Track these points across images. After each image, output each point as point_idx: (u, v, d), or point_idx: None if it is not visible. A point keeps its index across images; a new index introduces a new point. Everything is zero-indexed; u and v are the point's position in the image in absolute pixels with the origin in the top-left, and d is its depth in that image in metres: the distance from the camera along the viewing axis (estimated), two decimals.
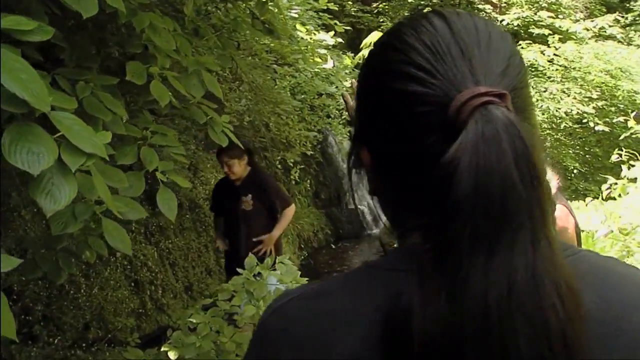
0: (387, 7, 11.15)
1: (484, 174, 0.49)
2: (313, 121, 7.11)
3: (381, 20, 10.70)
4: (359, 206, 10.56)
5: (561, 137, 7.30)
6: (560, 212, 2.82)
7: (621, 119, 5.08)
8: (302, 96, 5.93)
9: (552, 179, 2.88)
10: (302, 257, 7.54)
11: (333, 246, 8.86)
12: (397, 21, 0.66)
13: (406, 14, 11.19)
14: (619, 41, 8.56)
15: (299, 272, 2.78)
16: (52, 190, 0.92)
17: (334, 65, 4.46)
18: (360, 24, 9.77)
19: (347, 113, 7.06)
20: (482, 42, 0.57)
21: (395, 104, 0.57)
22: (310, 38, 3.78)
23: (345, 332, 0.54)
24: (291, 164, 6.88)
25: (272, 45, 3.68)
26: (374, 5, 10.67)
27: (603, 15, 10.88)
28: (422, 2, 10.86)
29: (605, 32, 8.69)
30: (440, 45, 0.56)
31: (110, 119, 1.35)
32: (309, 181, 8.33)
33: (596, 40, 8.38)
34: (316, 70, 4.34)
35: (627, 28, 10.83)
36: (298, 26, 2.96)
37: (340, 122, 8.05)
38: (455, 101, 0.52)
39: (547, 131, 7.40)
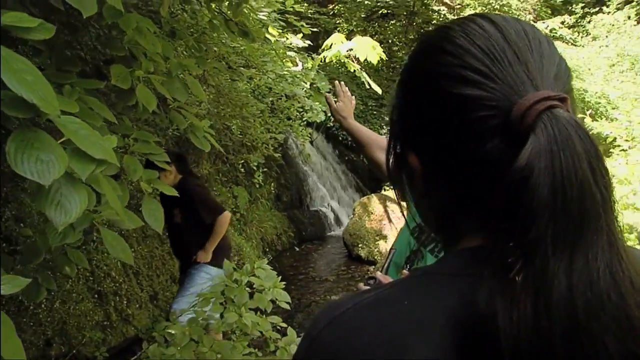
0: (342, 8, 11.21)
1: (561, 178, 0.49)
2: (274, 123, 7.05)
3: (337, 22, 10.77)
4: (320, 208, 10.61)
5: None
6: None
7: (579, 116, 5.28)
8: (270, 99, 5.85)
9: None
10: (267, 261, 7.45)
11: (297, 248, 8.83)
12: (442, 24, 0.64)
13: (362, 15, 11.30)
14: (566, 42, 8.92)
15: (279, 277, 2.74)
16: (61, 201, 0.85)
17: (303, 68, 4.45)
18: (317, 25, 9.78)
19: (314, 115, 7.00)
20: (533, 47, 0.57)
21: (451, 108, 0.56)
22: (281, 41, 3.75)
23: (415, 340, 0.52)
24: (254, 167, 6.80)
25: (242, 47, 3.61)
26: (330, 7, 10.73)
27: (549, 16, 11.32)
28: (378, 4, 10.99)
29: (556, 33, 9.03)
30: (495, 49, 0.56)
31: (100, 125, 1.28)
32: (271, 184, 8.28)
33: None
34: (284, 72, 4.31)
35: (571, 29, 11.30)
36: (270, 29, 2.92)
37: (301, 124, 8.02)
38: (519, 105, 0.53)
39: None
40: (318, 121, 7.96)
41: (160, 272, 5.61)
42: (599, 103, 7.77)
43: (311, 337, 0.58)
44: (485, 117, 0.54)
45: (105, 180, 0.98)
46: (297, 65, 4.07)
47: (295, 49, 3.89)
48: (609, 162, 4.48)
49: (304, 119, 7.80)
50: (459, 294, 0.54)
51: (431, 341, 0.52)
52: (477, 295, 0.50)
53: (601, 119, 6.67)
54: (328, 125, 11.39)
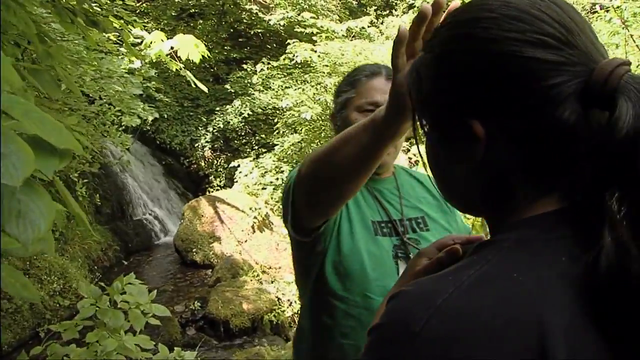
0: (150, 7, 10.65)
1: None
2: (89, 130, 6.42)
3: (146, 20, 10.20)
4: (143, 216, 9.99)
5: None
6: None
7: None
8: (101, 102, 5.25)
9: None
10: (96, 280, 6.79)
11: (125, 262, 8.20)
12: None
13: (173, 14, 10.86)
14: (372, 40, 9.72)
15: (154, 291, 2.51)
16: (23, 210, 0.65)
17: (142, 64, 4.08)
18: (126, 23, 9.15)
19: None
20: (583, 20, 0.61)
21: (527, 73, 0.57)
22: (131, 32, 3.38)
23: (546, 313, 0.50)
24: (75, 179, 6.11)
25: (76, 41, 3.16)
26: (138, 4, 10.12)
27: (347, 17, 12.20)
28: (189, 2, 10.65)
29: (365, 31, 9.77)
30: (564, 18, 0.59)
31: None
32: (92, 196, 7.54)
33: (351, 39, 9.35)
34: (119, 70, 3.91)
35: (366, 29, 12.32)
36: (112, 19, 2.62)
37: (118, 130, 7.44)
38: (600, 71, 0.55)
39: (323, 122, 8.01)
40: (134, 125, 7.47)
41: None
42: None
43: (411, 333, 0.51)
44: (564, 82, 0.56)
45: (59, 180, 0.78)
46: (141, 59, 3.73)
47: (141, 40, 3.58)
48: None
49: (122, 124, 7.24)
50: (567, 257, 0.54)
51: (561, 310, 0.51)
52: (599, 255, 0.51)
53: None
54: (144, 129, 10.77)
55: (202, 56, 4.73)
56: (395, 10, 13.63)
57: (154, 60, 6.65)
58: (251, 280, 7.00)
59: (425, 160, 0.72)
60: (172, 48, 6.68)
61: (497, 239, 0.60)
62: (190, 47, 6.85)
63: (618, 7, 6.46)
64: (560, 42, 0.57)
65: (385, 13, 13.56)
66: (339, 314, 1.35)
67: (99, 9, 2.73)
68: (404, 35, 0.87)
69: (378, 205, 1.45)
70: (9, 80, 0.62)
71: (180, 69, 7.01)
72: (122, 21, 2.98)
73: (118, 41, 3.83)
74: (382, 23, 12.90)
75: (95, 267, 7.16)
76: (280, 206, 1.41)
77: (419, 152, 0.70)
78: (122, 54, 4.01)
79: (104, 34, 3.21)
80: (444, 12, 0.85)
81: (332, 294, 1.36)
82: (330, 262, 1.36)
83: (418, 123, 0.70)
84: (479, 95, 0.60)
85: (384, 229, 1.42)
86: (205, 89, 6.63)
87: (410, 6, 13.44)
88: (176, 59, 7.28)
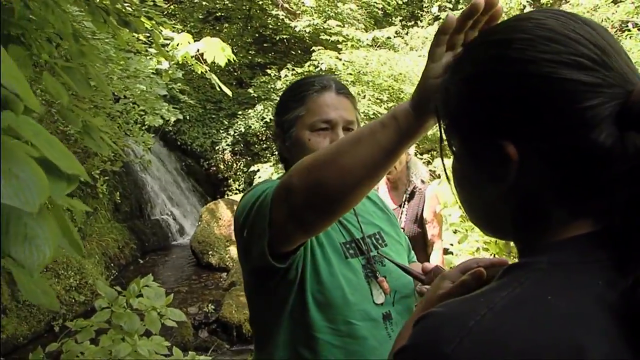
0: (177, 9, 10.76)
1: None
2: (113, 128, 6.48)
3: (172, 22, 10.31)
4: (161, 216, 10.05)
5: None
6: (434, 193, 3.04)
7: None
8: (126, 101, 5.30)
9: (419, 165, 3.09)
10: (111, 277, 6.84)
11: (140, 261, 8.26)
12: (522, 16, 0.62)
13: (200, 16, 10.97)
14: (397, 50, 9.70)
15: (171, 295, 2.50)
16: (30, 235, 0.63)
17: (170, 65, 4.11)
18: (157, 24, 9.25)
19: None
20: (615, 40, 0.60)
21: (564, 94, 0.55)
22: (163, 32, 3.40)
23: (586, 337, 0.49)
24: (97, 176, 6.17)
25: (107, 40, 3.20)
26: (165, 6, 10.23)
27: (372, 27, 12.21)
28: (216, 5, 10.74)
29: (390, 41, 9.77)
30: (598, 40, 0.57)
31: None
32: (112, 193, 7.61)
33: (376, 49, 9.34)
34: (146, 70, 3.94)
35: (395, 39, 12.31)
36: (143, 19, 2.64)
37: (141, 129, 7.50)
38: (638, 93, 0.54)
39: None
40: (156, 125, 7.53)
41: None
42: None
43: (442, 355, 0.50)
44: (600, 104, 0.55)
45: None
46: (171, 59, 3.74)
47: (170, 41, 3.61)
48: None
49: (145, 123, 7.30)
50: (603, 281, 0.53)
51: (599, 335, 0.49)
52: (638, 281, 0.50)
53: None
54: (166, 130, 10.85)
55: (227, 60, 4.68)
56: (421, 21, 13.59)
57: (179, 62, 6.70)
58: None
59: (451, 178, 0.70)
60: (198, 50, 6.71)
61: (529, 261, 0.59)
62: (216, 50, 6.87)
63: None
64: (596, 64, 0.56)
65: (410, 24, 13.52)
66: (322, 347, 1.24)
67: (130, 9, 2.75)
68: (451, 23, 0.79)
69: (339, 225, 1.37)
70: (31, 104, 0.60)
71: (206, 71, 7.05)
72: (153, 22, 2.99)
73: (147, 41, 3.86)
74: (407, 34, 12.86)
75: (112, 265, 7.22)
76: None
77: (444, 168, 0.68)
78: (150, 55, 4.04)
79: (134, 34, 3.23)
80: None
81: (312, 326, 1.24)
82: (310, 292, 1.25)
83: (446, 141, 0.69)
84: (512, 116, 0.59)
85: (350, 249, 1.34)
86: (229, 93, 6.65)
87: (436, 18, 13.40)
88: (202, 61, 7.30)
